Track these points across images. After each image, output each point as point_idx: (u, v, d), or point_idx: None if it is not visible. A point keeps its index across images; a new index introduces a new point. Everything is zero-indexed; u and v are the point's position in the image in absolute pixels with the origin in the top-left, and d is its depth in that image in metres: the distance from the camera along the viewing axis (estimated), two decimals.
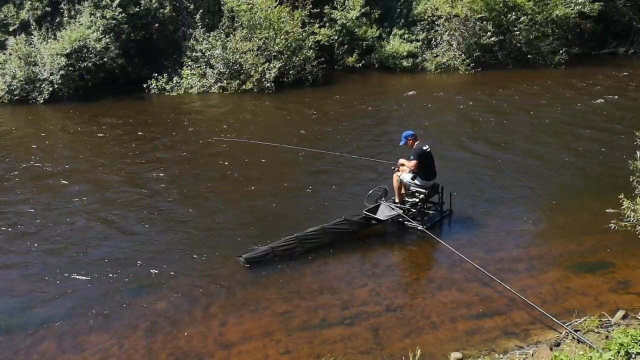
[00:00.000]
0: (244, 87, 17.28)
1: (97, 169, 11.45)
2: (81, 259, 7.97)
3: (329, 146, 12.50)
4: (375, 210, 8.68)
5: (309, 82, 18.09)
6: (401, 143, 8.71)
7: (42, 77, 16.42)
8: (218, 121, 14.84)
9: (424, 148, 8.45)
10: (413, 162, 8.45)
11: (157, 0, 18.36)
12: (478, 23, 19.56)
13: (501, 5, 19.58)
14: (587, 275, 7.40)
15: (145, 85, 17.73)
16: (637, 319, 6.23)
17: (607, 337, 5.82)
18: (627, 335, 5.14)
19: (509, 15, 19.74)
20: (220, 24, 18.49)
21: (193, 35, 18.26)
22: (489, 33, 19.54)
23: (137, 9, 17.96)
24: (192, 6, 19.19)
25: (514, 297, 6.74)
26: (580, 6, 19.86)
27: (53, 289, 7.25)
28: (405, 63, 19.87)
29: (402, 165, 8.74)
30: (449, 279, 7.41)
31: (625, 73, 19.06)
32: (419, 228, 8.46)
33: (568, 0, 19.89)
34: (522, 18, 19.70)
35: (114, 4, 17.40)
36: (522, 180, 10.49)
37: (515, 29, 19.85)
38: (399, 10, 21.02)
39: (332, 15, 20.13)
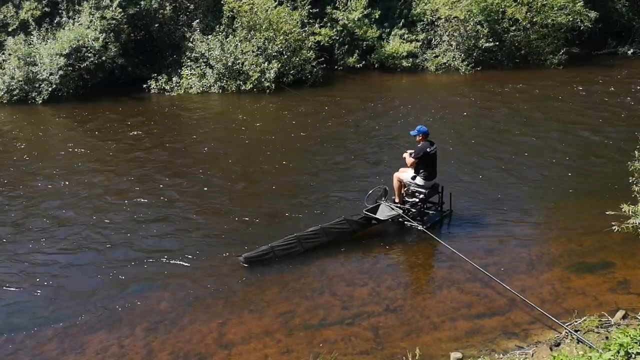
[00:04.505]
0: (243, 87, 17.27)
1: (96, 169, 11.44)
2: (81, 259, 7.97)
3: (329, 146, 12.51)
4: (375, 210, 8.69)
5: (309, 82, 18.08)
6: (412, 132, 8.67)
7: (41, 78, 16.39)
8: (218, 121, 14.84)
9: (428, 149, 8.44)
10: (412, 161, 8.52)
11: (157, 0, 18.32)
12: (478, 26, 19.57)
13: (495, 9, 19.58)
14: (587, 275, 7.40)
15: (145, 86, 17.70)
16: (637, 319, 6.23)
17: (607, 337, 5.83)
18: (627, 335, 5.13)
19: (502, 23, 19.80)
20: (220, 24, 18.46)
21: (192, 38, 18.22)
22: (484, 38, 19.58)
23: (136, 9, 17.93)
24: (192, 6, 19.17)
25: (514, 297, 6.75)
26: (576, 14, 19.81)
27: (53, 289, 7.25)
28: (405, 63, 19.85)
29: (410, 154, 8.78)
30: (449, 279, 7.41)
31: (625, 73, 19.06)
32: (419, 228, 8.46)
33: (566, 8, 19.81)
34: (517, 25, 19.72)
35: (114, 5, 17.38)
36: (522, 180, 10.49)
37: (509, 35, 19.87)
38: (398, 10, 21.01)
39: (334, 16, 20.12)
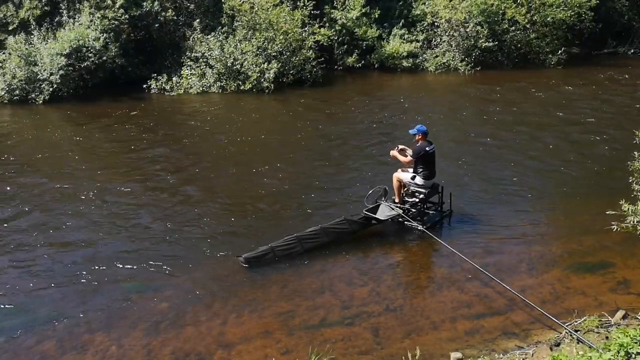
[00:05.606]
0: (242, 87, 17.28)
1: (96, 169, 11.44)
2: (81, 259, 7.97)
3: (328, 145, 12.51)
4: (375, 210, 8.69)
5: (309, 82, 18.08)
6: (411, 132, 8.63)
7: (41, 77, 16.40)
8: (218, 121, 14.84)
9: (427, 148, 8.44)
10: (409, 159, 8.52)
11: (159, 3, 18.31)
12: (478, 27, 19.59)
13: (495, 11, 19.61)
14: (587, 275, 7.40)
15: (145, 86, 17.71)
16: (637, 319, 6.23)
17: (607, 337, 5.83)
18: (627, 335, 5.13)
19: (502, 24, 19.84)
20: (220, 25, 18.47)
21: (192, 37, 18.22)
22: (484, 38, 19.62)
23: (138, 12, 17.93)
24: (192, 6, 19.18)
25: (514, 297, 6.75)
26: (575, 7, 19.83)
27: (54, 289, 7.25)
28: (405, 63, 19.87)
29: (403, 150, 8.72)
30: (449, 279, 7.41)
31: (624, 73, 19.06)
32: (419, 228, 8.46)
33: (568, 2, 19.83)
34: (517, 25, 19.76)
35: (117, 6, 17.39)
36: (522, 180, 10.49)
37: (509, 35, 19.92)
38: (398, 10, 21.03)
39: (332, 15, 20.13)
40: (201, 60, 17.90)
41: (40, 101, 16.32)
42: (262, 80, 17.26)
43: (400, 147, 8.79)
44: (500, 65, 20.11)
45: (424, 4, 20.64)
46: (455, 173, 10.68)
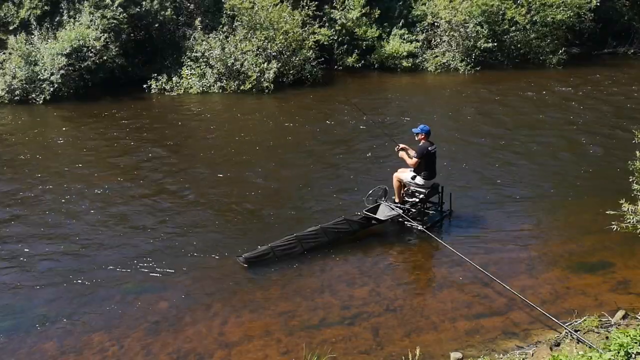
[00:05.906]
0: (242, 87, 17.27)
1: (96, 169, 11.43)
2: (81, 259, 7.96)
3: (328, 146, 12.52)
4: (375, 210, 8.70)
5: (309, 82, 18.08)
6: (415, 130, 8.62)
7: (42, 77, 16.39)
8: (217, 122, 14.84)
9: (430, 148, 8.45)
10: (414, 161, 8.48)
11: (159, 2, 18.29)
12: (478, 27, 19.58)
13: (495, 11, 19.60)
14: (587, 275, 7.41)
15: (145, 86, 17.69)
16: (637, 319, 6.24)
17: (607, 337, 5.83)
18: (627, 335, 5.13)
19: (502, 24, 19.84)
20: (220, 24, 18.47)
21: (192, 36, 18.23)
22: (484, 39, 19.61)
23: (137, 9, 17.92)
24: (192, 6, 19.16)
25: (514, 297, 6.75)
26: (575, 7, 19.83)
27: (53, 289, 7.25)
28: (405, 63, 19.86)
29: (404, 149, 8.71)
30: (449, 279, 7.42)
31: (624, 73, 19.06)
32: (419, 228, 8.46)
33: (568, 3, 19.83)
34: (517, 26, 19.76)
35: (115, 4, 17.38)
36: (522, 180, 10.49)
37: (509, 35, 19.92)
38: (398, 10, 21.03)
39: (332, 15, 20.12)
40: (201, 60, 17.89)
41: (41, 101, 16.30)
42: (262, 80, 17.25)
43: (402, 146, 8.80)
44: (500, 65, 20.11)
45: (424, 4, 20.64)
46: (455, 173, 10.68)
